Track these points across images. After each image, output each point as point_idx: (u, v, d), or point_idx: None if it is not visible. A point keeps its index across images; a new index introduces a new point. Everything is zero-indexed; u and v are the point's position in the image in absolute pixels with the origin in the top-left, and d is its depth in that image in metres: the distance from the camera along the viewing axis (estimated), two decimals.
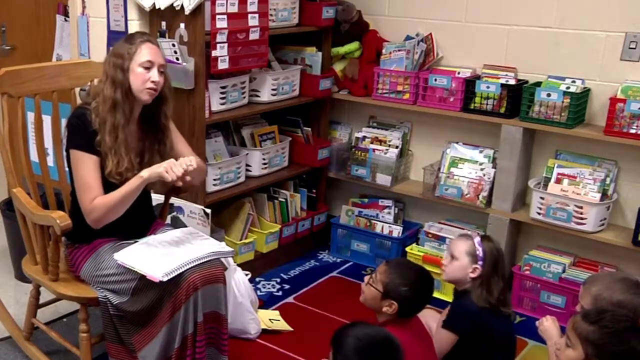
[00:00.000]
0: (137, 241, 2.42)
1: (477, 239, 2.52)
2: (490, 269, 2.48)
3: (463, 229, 3.50)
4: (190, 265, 2.28)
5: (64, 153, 2.50)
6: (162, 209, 2.78)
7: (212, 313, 2.35)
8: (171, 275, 2.23)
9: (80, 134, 2.37)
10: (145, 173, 2.31)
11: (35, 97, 2.58)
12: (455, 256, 2.53)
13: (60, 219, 2.31)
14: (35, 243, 2.55)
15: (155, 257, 2.31)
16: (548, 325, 2.24)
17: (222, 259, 2.46)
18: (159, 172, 2.28)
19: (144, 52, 2.37)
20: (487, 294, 2.46)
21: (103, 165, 2.37)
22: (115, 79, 2.36)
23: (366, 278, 2.40)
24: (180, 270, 2.25)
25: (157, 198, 2.78)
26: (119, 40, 2.46)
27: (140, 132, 2.49)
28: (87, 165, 2.35)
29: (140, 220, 2.51)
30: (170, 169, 2.28)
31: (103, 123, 2.36)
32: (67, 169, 2.55)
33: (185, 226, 2.76)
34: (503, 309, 2.49)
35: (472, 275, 2.49)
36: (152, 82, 2.38)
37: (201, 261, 2.31)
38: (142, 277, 2.27)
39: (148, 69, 2.37)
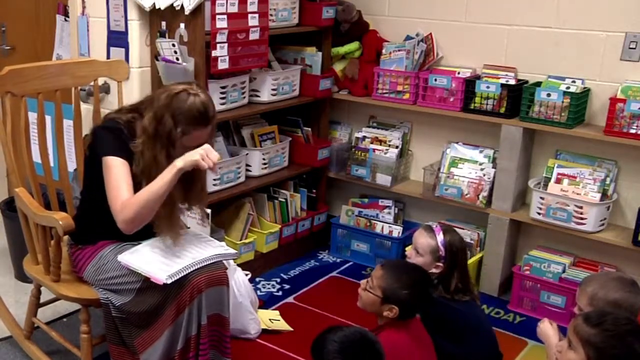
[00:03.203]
0: (141, 243, 2.41)
1: (440, 239, 2.59)
2: (450, 266, 2.58)
3: (463, 229, 3.51)
4: (194, 268, 2.27)
5: (71, 156, 2.48)
6: None
7: (215, 315, 2.34)
8: (175, 278, 2.22)
9: (113, 139, 2.29)
10: (180, 162, 2.16)
11: (38, 96, 2.57)
12: (419, 252, 2.61)
13: (62, 220, 2.30)
14: (37, 243, 2.54)
15: (159, 259, 2.31)
16: (544, 327, 2.25)
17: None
18: (195, 160, 2.15)
19: (194, 139, 2.24)
20: (444, 289, 2.57)
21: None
22: (162, 144, 2.23)
23: (362, 283, 2.38)
24: (185, 273, 2.25)
25: None
26: (184, 95, 2.21)
27: None
28: (121, 170, 2.25)
29: None
30: (206, 155, 2.15)
31: (147, 174, 2.24)
32: (70, 170, 2.54)
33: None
34: (462, 297, 2.57)
35: (434, 271, 2.59)
36: None
37: (205, 263, 2.30)
38: (146, 279, 2.26)
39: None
